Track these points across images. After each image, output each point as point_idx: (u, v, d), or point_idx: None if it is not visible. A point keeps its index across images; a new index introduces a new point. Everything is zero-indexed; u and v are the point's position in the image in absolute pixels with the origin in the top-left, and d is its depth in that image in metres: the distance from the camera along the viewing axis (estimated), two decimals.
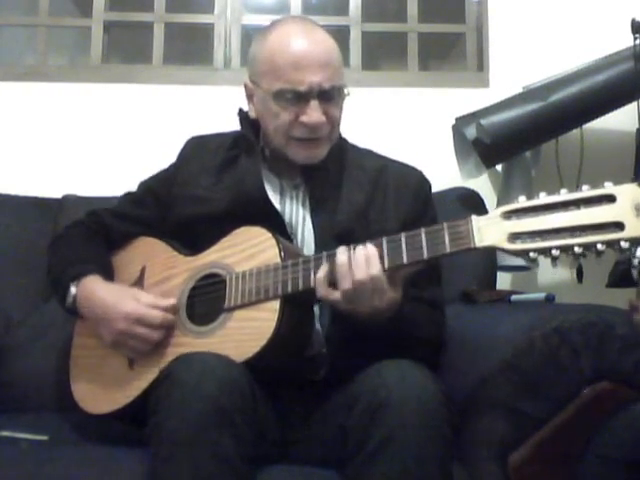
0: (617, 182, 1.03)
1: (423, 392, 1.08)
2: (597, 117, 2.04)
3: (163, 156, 1.55)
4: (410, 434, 1.05)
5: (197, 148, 1.51)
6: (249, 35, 2.46)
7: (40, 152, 2.19)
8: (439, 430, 1.07)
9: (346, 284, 1.15)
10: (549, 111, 1.96)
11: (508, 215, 1.08)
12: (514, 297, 1.63)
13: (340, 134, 1.46)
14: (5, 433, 1.32)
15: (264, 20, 2.48)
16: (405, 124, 2.23)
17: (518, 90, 2.09)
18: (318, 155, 1.38)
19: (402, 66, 2.43)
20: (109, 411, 1.32)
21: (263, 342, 1.19)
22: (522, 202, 1.08)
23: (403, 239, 1.15)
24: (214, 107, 2.16)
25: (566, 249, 1.03)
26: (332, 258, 1.19)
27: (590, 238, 1.01)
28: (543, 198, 1.06)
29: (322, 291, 1.18)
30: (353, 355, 1.25)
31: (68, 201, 1.94)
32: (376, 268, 1.15)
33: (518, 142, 2.01)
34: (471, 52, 2.41)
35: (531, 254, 1.05)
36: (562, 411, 1.18)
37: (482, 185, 2.11)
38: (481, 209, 1.95)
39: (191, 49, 2.69)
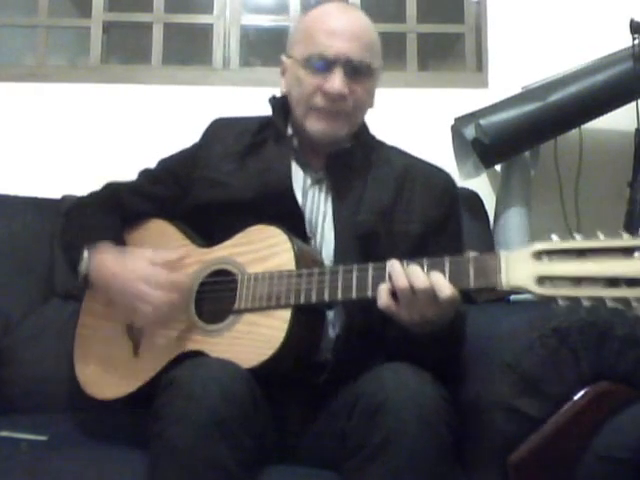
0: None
1: (421, 396, 1.08)
2: (596, 117, 2.05)
3: (163, 156, 1.55)
4: (407, 437, 1.05)
5: (222, 130, 1.48)
6: (248, 35, 2.47)
7: (40, 152, 2.19)
8: (436, 433, 1.07)
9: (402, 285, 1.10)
10: (548, 111, 1.97)
11: (539, 255, 1.02)
12: (513, 297, 1.63)
13: (367, 129, 1.45)
14: (4, 433, 1.32)
15: (263, 20, 2.49)
16: (404, 124, 2.23)
17: (517, 90, 2.09)
18: (336, 130, 1.35)
19: (401, 66, 2.44)
20: (112, 397, 1.32)
21: (271, 351, 1.17)
22: (556, 243, 1.01)
23: (425, 264, 1.11)
24: (213, 107, 2.16)
25: (598, 301, 0.96)
26: (363, 273, 1.15)
27: (625, 293, 0.94)
28: (579, 241, 0.99)
29: (383, 301, 1.12)
30: (360, 361, 1.25)
31: (68, 202, 1.93)
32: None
33: (517, 142, 2.02)
34: (470, 52, 2.41)
35: (560, 301, 0.99)
36: (562, 411, 1.18)
37: (481, 185, 2.11)
38: (480, 209, 1.96)
39: (190, 49, 2.69)
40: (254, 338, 1.21)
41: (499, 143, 1.97)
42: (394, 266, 1.12)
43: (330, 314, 1.30)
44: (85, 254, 1.34)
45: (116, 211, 1.47)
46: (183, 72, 2.35)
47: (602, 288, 0.96)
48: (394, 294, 1.12)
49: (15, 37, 2.58)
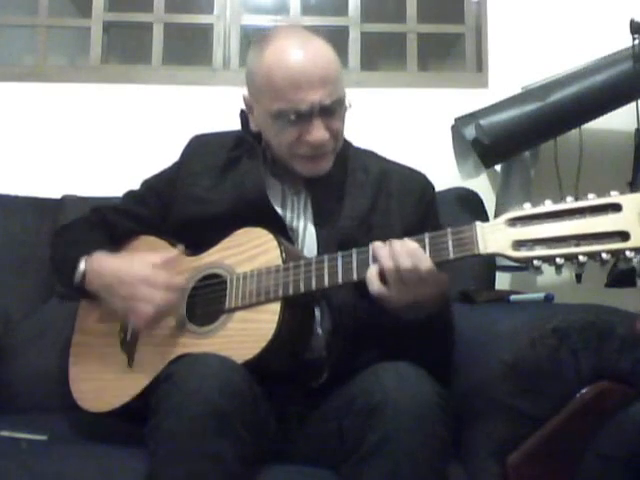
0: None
1: (418, 394, 1.08)
2: (596, 117, 2.04)
3: (162, 156, 1.55)
4: (404, 436, 1.05)
5: (200, 147, 1.50)
6: (248, 35, 2.47)
7: (40, 152, 2.19)
8: (434, 432, 1.07)
9: (389, 266, 1.14)
10: (548, 111, 1.97)
11: (513, 222, 1.08)
12: (513, 297, 1.63)
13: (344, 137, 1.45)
14: (4, 433, 1.32)
15: (263, 20, 2.49)
16: (404, 124, 2.23)
17: (517, 90, 2.09)
18: (324, 168, 1.36)
19: (401, 67, 2.44)
20: (108, 409, 1.32)
21: (263, 344, 1.19)
22: (527, 209, 1.07)
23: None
24: (213, 107, 2.16)
25: (570, 257, 1.02)
26: (348, 259, 1.19)
27: (595, 247, 1.01)
28: (549, 206, 1.05)
29: (375, 287, 1.16)
30: (354, 360, 1.25)
31: (67, 201, 1.94)
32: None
33: (517, 142, 2.01)
34: (470, 52, 2.41)
35: (535, 262, 1.05)
36: (561, 411, 1.18)
37: (481, 185, 2.11)
38: (480, 209, 1.96)
39: (190, 49, 2.69)
40: (246, 334, 1.23)
41: (499, 143, 1.97)
42: (378, 248, 1.16)
43: (317, 313, 1.30)
44: (82, 264, 1.35)
45: (103, 231, 1.49)
46: (183, 72, 2.35)
47: (574, 245, 1.02)
48: (382, 278, 1.15)
49: (15, 37, 2.58)
